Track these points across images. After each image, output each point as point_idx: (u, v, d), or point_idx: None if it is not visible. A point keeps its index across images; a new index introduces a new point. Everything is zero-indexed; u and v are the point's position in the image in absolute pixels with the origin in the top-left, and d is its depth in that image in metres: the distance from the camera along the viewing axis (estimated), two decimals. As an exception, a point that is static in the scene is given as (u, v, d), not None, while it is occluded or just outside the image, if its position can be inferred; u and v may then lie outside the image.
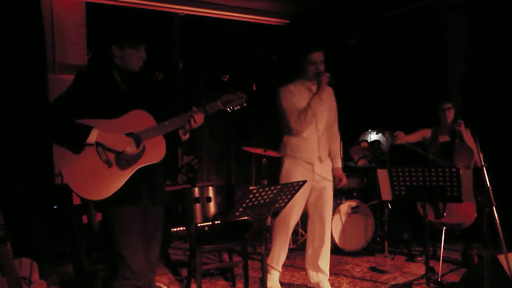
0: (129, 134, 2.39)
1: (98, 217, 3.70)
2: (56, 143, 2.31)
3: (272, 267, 3.53)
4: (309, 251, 3.55)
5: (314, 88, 3.35)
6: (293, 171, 3.40)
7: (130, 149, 2.38)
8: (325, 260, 3.52)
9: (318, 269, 3.51)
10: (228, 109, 2.64)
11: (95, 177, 2.31)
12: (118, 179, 2.34)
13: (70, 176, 2.29)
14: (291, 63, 3.45)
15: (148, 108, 2.47)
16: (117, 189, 2.32)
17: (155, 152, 2.44)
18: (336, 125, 3.59)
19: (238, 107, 2.65)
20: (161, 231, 2.63)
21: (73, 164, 2.30)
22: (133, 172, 2.37)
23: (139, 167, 2.39)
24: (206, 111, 2.57)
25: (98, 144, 2.32)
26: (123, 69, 2.46)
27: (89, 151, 2.32)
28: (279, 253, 3.52)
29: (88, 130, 2.29)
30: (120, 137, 2.36)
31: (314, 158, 3.40)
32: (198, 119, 2.53)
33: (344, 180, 3.59)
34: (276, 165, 5.23)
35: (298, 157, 3.40)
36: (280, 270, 3.59)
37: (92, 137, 2.29)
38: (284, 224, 3.45)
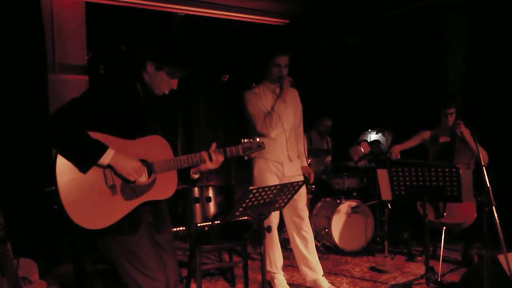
0: (142, 161, 2.16)
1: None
2: (62, 155, 2.03)
3: (274, 272, 3.55)
4: (295, 251, 3.59)
5: (278, 90, 3.46)
6: (264, 172, 3.48)
7: (141, 179, 2.16)
8: (313, 256, 3.54)
9: (309, 266, 3.54)
10: (245, 156, 2.47)
11: (94, 203, 2.05)
12: (119, 211, 2.09)
13: (66, 194, 2.01)
14: (291, 63, 3.46)
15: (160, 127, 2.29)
16: (114, 222, 2.07)
17: (164, 188, 2.23)
18: (301, 126, 3.67)
19: (255, 154, 2.51)
20: (175, 257, 2.38)
21: (72, 181, 2.02)
22: (135, 206, 2.13)
23: (144, 201, 2.16)
24: (226, 155, 2.40)
25: (109, 166, 2.07)
26: (146, 85, 2.24)
27: (95, 171, 2.06)
28: (274, 257, 3.54)
29: (103, 149, 2.03)
30: (136, 164, 2.11)
31: (283, 157, 3.49)
32: (218, 160, 2.36)
33: (312, 175, 3.67)
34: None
35: (268, 157, 3.48)
36: (283, 273, 3.60)
37: (106, 159, 2.03)
38: None
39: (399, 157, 4.20)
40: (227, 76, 5.77)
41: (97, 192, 2.06)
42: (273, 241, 3.54)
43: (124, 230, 2.12)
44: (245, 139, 2.46)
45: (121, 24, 4.97)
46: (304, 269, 3.56)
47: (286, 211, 3.54)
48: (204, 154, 2.33)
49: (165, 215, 2.37)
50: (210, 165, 2.35)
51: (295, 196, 3.42)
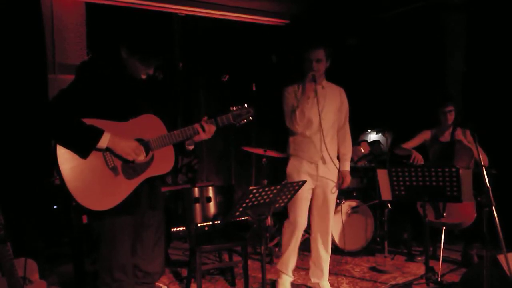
0: (138, 140, 2.25)
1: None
2: (61, 144, 2.11)
3: (282, 272, 3.53)
4: (313, 252, 3.55)
5: (315, 87, 3.32)
6: (297, 170, 3.39)
7: (140, 157, 2.25)
8: (327, 260, 3.53)
9: (320, 269, 3.53)
10: (237, 123, 2.56)
11: (100, 186, 2.14)
12: (124, 190, 2.18)
13: (71, 181, 2.09)
14: (291, 63, 3.43)
15: (153, 108, 2.38)
16: (121, 200, 2.18)
17: (163, 163, 2.32)
18: (346, 126, 3.53)
19: (246, 121, 2.58)
20: (163, 240, 2.51)
21: (75, 168, 2.10)
22: (139, 183, 2.23)
23: (146, 177, 2.26)
24: (217, 124, 2.49)
25: (107, 149, 2.16)
26: (126, 68, 2.32)
27: (95, 155, 2.14)
28: (289, 258, 3.49)
29: (99, 133, 2.12)
30: (133, 144, 2.20)
31: (316, 158, 3.36)
32: (210, 130, 2.44)
33: (347, 181, 3.49)
34: (275, 165, 5.26)
35: (301, 156, 3.39)
36: (292, 276, 3.56)
37: (104, 142, 2.12)
38: (293, 227, 3.41)
39: (422, 162, 4.10)
40: (227, 76, 5.76)
41: (100, 175, 2.14)
42: (293, 239, 3.43)
43: (122, 209, 2.22)
44: (234, 107, 2.54)
45: (121, 24, 4.97)
46: (313, 271, 3.56)
47: (314, 212, 3.46)
48: (197, 126, 2.43)
49: (159, 194, 2.49)
50: (203, 136, 2.44)
51: (326, 199, 3.41)
